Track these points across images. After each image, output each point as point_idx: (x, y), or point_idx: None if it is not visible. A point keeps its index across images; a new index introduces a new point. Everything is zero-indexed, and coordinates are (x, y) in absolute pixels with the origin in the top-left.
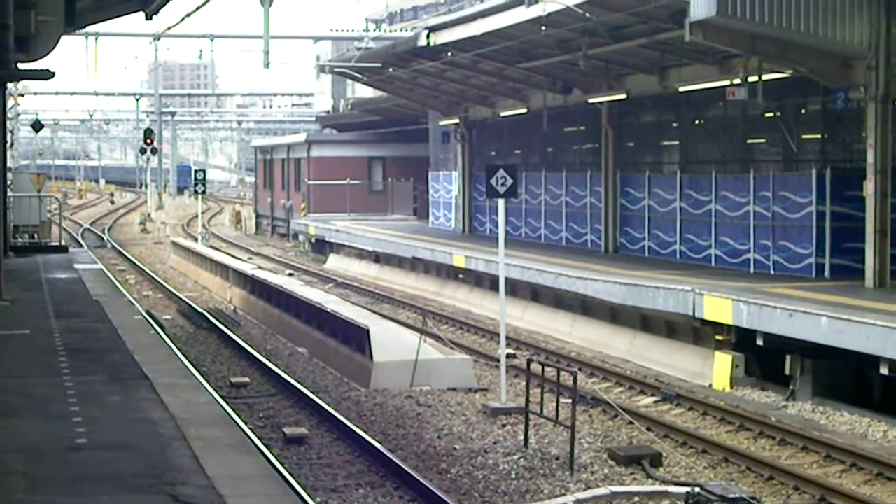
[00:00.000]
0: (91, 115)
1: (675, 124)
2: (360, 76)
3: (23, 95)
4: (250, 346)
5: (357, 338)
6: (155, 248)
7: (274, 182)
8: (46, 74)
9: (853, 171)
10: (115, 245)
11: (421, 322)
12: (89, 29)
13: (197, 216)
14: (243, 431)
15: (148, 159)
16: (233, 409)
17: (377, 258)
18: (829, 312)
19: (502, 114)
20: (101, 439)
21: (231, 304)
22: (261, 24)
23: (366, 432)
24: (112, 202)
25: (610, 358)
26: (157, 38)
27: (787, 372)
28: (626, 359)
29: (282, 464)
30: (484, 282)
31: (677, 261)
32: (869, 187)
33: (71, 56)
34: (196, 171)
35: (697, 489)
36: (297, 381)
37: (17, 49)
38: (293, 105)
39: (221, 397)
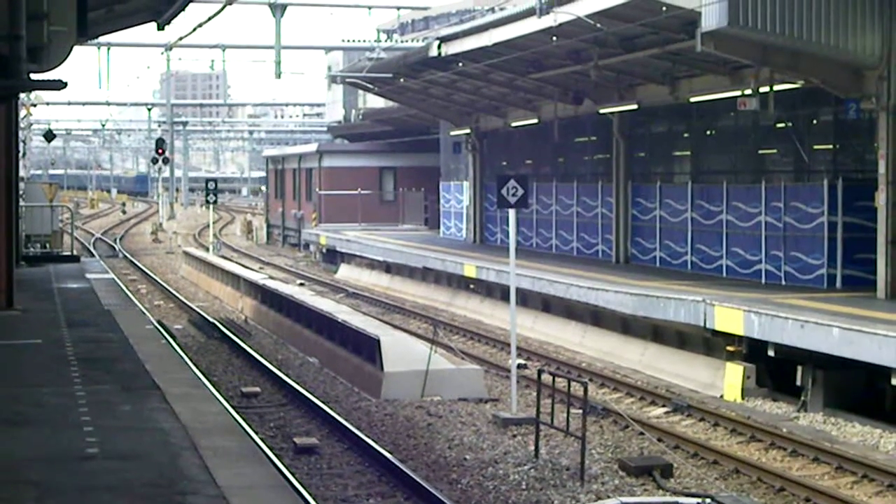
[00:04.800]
0: (103, 125)
1: (686, 135)
2: (371, 86)
3: (35, 105)
4: (261, 355)
5: (368, 348)
6: (166, 258)
7: (285, 192)
8: (58, 85)
9: (865, 182)
10: (127, 255)
11: (432, 332)
12: (101, 39)
13: (208, 226)
14: (254, 441)
15: (160, 169)
16: (243, 419)
17: (388, 268)
18: (841, 323)
19: (513, 124)
20: (112, 449)
21: (242, 314)
22: (272, 34)
23: (376, 442)
24: (124, 212)
25: (621, 368)
26: (169, 48)
27: (798, 383)
28: (637, 369)
29: (292, 474)
30: (495, 292)
31: (688, 271)
32: (881, 198)
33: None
34: (208, 181)
35: (708, 500)
36: (307, 390)
37: (29, 59)
38: (304, 115)
39: (232, 407)
